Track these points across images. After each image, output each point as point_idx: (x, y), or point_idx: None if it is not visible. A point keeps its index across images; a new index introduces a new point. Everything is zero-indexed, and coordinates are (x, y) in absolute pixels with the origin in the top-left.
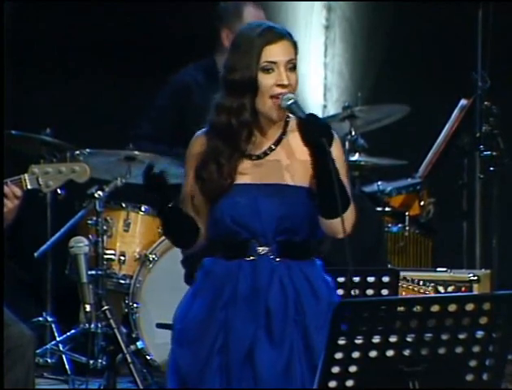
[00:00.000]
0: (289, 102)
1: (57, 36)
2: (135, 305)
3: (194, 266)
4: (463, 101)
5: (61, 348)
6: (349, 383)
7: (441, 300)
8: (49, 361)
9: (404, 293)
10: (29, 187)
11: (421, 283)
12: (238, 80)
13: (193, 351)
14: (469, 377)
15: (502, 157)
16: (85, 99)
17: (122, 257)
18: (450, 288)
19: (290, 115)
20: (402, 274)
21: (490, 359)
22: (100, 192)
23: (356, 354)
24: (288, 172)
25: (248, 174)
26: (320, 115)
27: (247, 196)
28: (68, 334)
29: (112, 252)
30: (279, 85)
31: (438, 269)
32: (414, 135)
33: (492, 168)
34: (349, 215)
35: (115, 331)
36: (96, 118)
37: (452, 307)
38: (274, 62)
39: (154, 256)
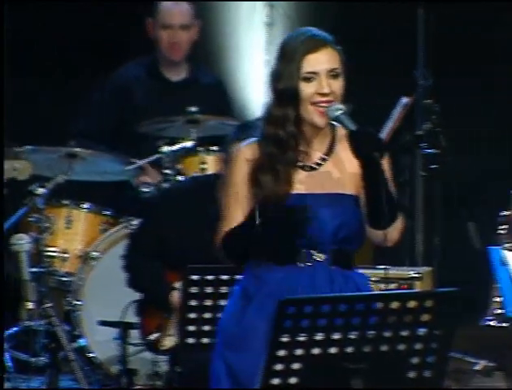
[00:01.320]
0: (337, 113)
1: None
2: (77, 302)
3: (140, 271)
4: (404, 99)
5: None
6: (292, 380)
7: (383, 297)
8: None
9: None
10: None
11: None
12: (282, 88)
13: (253, 357)
14: (411, 374)
15: (444, 154)
16: (27, 96)
17: (64, 255)
18: (392, 286)
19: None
20: None
21: (432, 356)
22: (41, 189)
23: (299, 351)
24: (342, 181)
25: (303, 184)
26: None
27: (307, 205)
28: (10, 331)
29: (54, 249)
30: (319, 94)
31: (379, 266)
32: None
33: (433, 166)
34: (398, 225)
35: (57, 328)
36: (37, 115)
37: (394, 304)
38: (315, 72)
39: (96, 253)
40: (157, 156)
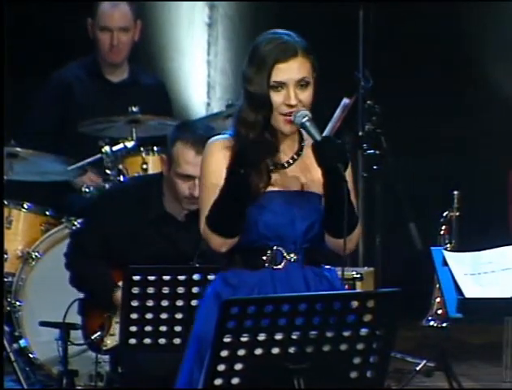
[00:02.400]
0: (303, 120)
1: None
2: (17, 303)
3: (82, 270)
4: (346, 100)
5: None
6: (235, 380)
7: (326, 297)
8: None
9: None
10: None
11: None
12: (253, 93)
13: None
14: (353, 374)
15: (385, 155)
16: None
17: (4, 255)
18: None
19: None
20: None
21: (374, 356)
22: None
23: (241, 352)
24: (311, 181)
25: (275, 182)
26: (204, 113)
27: (279, 202)
28: None
29: None
30: (287, 105)
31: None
32: None
33: (375, 167)
34: (356, 235)
35: None
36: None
37: (336, 305)
38: (282, 83)
39: (36, 253)
40: (98, 156)
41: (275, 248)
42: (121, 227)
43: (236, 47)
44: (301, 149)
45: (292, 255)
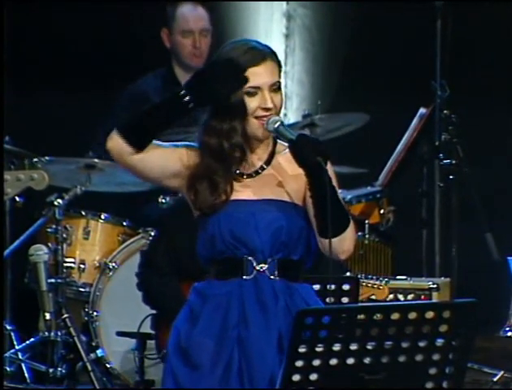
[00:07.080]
0: (276, 125)
1: (14, 44)
2: (95, 313)
3: (154, 289)
4: (422, 110)
5: (20, 357)
6: None
7: (401, 308)
8: (8, 369)
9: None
10: None
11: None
12: (228, 101)
13: (201, 374)
14: (429, 385)
15: (461, 165)
16: (45, 106)
17: (82, 266)
18: (410, 296)
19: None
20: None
21: (450, 367)
22: (60, 200)
23: (316, 362)
24: (281, 190)
25: (241, 191)
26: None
27: (244, 211)
28: (28, 342)
29: (72, 260)
30: (263, 109)
31: (398, 277)
32: (374, 143)
33: (451, 177)
34: (350, 234)
35: (75, 339)
36: (55, 125)
37: (412, 315)
38: (257, 87)
39: (113, 264)
40: None
41: (244, 258)
42: (192, 239)
43: (313, 58)
44: (271, 158)
45: (261, 265)
